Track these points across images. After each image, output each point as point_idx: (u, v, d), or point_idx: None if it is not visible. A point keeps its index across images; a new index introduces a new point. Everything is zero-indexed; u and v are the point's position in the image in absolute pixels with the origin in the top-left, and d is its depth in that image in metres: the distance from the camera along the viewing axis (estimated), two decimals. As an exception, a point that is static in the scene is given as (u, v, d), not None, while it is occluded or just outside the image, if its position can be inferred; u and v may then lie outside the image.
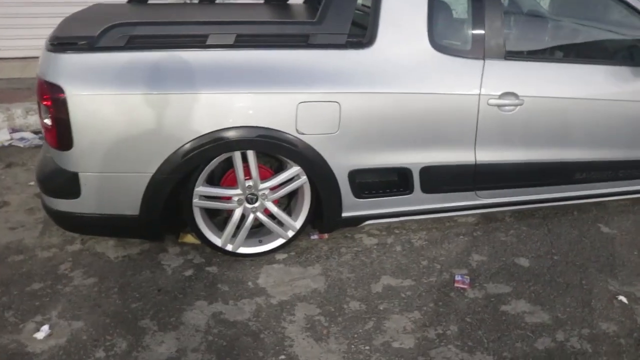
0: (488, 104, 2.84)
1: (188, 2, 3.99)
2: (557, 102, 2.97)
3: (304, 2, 4.00)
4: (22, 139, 4.54)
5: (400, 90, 2.69)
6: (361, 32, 2.71)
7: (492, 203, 3.18)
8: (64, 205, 2.63)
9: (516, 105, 2.88)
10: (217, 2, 3.88)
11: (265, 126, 2.56)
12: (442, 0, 3.02)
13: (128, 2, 3.70)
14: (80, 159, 2.51)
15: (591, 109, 3.06)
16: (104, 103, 2.43)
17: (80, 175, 2.54)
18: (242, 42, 2.53)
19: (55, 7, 4.40)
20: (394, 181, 2.92)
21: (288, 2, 3.84)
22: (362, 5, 2.78)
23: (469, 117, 2.85)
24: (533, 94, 2.91)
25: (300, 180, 2.76)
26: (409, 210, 3.02)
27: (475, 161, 2.96)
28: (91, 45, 2.42)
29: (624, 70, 3.09)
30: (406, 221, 3.22)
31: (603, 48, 3.28)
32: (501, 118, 2.89)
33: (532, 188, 3.21)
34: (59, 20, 2.94)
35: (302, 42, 2.59)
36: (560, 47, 3.24)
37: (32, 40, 4.73)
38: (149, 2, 3.70)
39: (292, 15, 3.42)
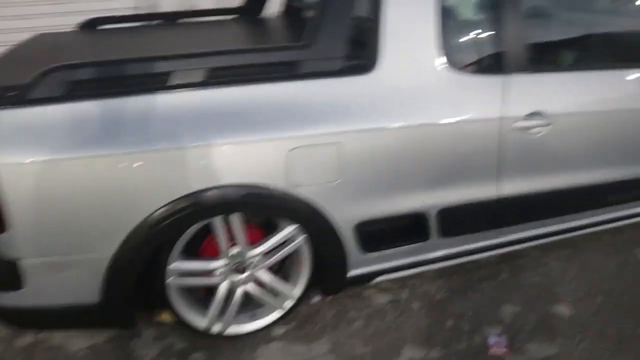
0: (512, 128, 2.36)
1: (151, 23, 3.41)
2: (590, 117, 2.52)
3: (282, 14, 3.48)
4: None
5: (411, 122, 2.20)
6: (359, 52, 2.20)
7: (519, 238, 2.71)
8: (6, 299, 2.08)
9: (545, 125, 2.40)
10: (180, 21, 3.35)
11: (250, 183, 2.05)
12: (451, 6, 2.53)
13: (79, 29, 3.16)
14: (19, 242, 1.96)
15: (629, 120, 2.62)
16: (44, 171, 1.89)
17: (22, 262, 1.99)
18: (214, 78, 2.01)
19: None
20: (407, 228, 2.43)
21: (262, 17, 3.33)
22: (357, 18, 2.28)
23: (492, 145, 2.37)
24: (563, 111, 2.44)
25: (297, 241, 2.25)
26: (426, 259, 2.54)
27: (499, 195, 2.49)
28: (22, 97, 1.88)
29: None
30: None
31: (636, 47, 2.82)
32: (528, 142, 2.43)
33: (563, 217, 2.75)
34: None
35: (287, 73, 2.08)
36: (587, 51, 2.77)
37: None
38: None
39: (271, 35, 2.90)
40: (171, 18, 3.33)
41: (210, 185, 2.01)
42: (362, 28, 2.25)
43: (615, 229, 3.07)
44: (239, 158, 2.01)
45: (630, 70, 2.62)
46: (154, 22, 3.29)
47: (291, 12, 3.36)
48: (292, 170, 2.07)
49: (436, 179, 2.33)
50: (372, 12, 2.18)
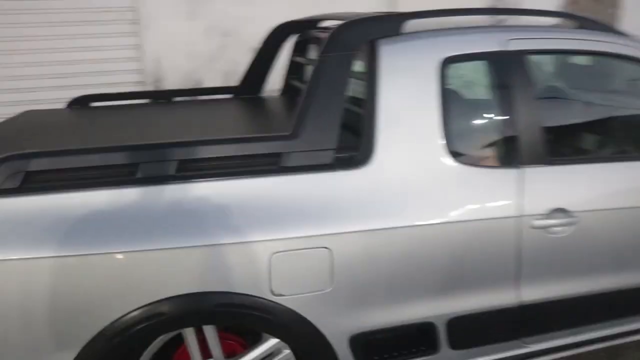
0: (532, 227, 2.08)
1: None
2: (619, 214, 2.23)
3: (282, 93, 3.30)
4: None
5: (412, 222, 1.93)
6: (352, 142, 1.97)
7: (545, 349, 2.35)
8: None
9: (569, 224, 2.11)
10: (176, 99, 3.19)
11: (226, 290, 1.78)
12: (455, 89, 2.31)
13: (68, 106, 3.01)
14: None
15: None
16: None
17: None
18: (187, 171, 1.78)
19: None
20: (412, 339, 2.11)
21: (260, 96, 3.15)
22: (351, 103, 2.06)
23: (508, 247, 2.08)
24: (589, 208, 2.16)
25: (282, 355, 1.95)
26: (434, 373, 2.19)
27: (521, 302, 2.17)
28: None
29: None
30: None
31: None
32: (550, 243, 2.13)
33: (596, 324, 2.40)
34: None
35: (271, 166, 1.84)
36: (612, 139, 2.51)
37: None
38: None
39: (263, 119, 2.69)
40: (166, 96, 3.17)
41: (181, 292, 1.74)
42: (356, 115, 2.03)
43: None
44: (212, 262, 1.75)
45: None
46: (148, 101, 3.13)
47: (291, 91, 3.18)
48: (275, 277, 1.80)
49: (443, 285, 2.03)
50: (367, 97, 1.96)
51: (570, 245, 2.16)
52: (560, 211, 2.10)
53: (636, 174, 2.28)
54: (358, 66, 2.02)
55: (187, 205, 1.75)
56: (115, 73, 4.88)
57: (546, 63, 3.12)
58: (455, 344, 2.13)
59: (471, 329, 2.14)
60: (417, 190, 1.95)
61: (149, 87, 4.88)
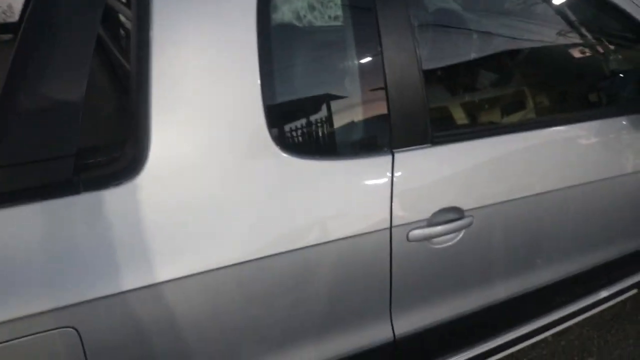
0: (409, 240, 1.42)
1: None
2: (530, 203, 1.62)
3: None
4: None
5: (211, 265, 1.20)
6: (110, 137, 1.18)
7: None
8: None
9: (460, 229, 1.48)
10: None
11: None
12: (286, 38, 1.52)
13: None
14: None
15: (585, 196, 1.76)
16: None
17: None
18: None
19: None
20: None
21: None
22: (104, 70, 1.23)
23: (372, 275, 1.45)
24: (489, 202, 1.53)
25: None
26: None
27: (394, 337, 1.55)
28: None
29: (620, 123, 1.79)
30: None
31: (585, 89, 1.94)
32: (435, 257, 1.50)
33: (493, 337, 1.85)
34: None
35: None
36: (519, 98, 1.85)
37: None
38: None
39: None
40: None
41: None
42: (116, 89, 1.23)
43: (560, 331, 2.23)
44: None
45: (580, 124, 1.73)
46: None
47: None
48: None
49: (279, 338, 1.36)
50: (132, 57, 1.16)
51: (463, 254, 1.54)
52: (449, 210, 1.46)
53: (548, 146, 1.67)
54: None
55: None
56: None
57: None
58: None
59: None
60: (223, 210, 1.21)
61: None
